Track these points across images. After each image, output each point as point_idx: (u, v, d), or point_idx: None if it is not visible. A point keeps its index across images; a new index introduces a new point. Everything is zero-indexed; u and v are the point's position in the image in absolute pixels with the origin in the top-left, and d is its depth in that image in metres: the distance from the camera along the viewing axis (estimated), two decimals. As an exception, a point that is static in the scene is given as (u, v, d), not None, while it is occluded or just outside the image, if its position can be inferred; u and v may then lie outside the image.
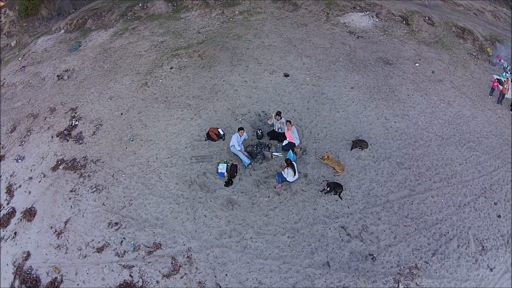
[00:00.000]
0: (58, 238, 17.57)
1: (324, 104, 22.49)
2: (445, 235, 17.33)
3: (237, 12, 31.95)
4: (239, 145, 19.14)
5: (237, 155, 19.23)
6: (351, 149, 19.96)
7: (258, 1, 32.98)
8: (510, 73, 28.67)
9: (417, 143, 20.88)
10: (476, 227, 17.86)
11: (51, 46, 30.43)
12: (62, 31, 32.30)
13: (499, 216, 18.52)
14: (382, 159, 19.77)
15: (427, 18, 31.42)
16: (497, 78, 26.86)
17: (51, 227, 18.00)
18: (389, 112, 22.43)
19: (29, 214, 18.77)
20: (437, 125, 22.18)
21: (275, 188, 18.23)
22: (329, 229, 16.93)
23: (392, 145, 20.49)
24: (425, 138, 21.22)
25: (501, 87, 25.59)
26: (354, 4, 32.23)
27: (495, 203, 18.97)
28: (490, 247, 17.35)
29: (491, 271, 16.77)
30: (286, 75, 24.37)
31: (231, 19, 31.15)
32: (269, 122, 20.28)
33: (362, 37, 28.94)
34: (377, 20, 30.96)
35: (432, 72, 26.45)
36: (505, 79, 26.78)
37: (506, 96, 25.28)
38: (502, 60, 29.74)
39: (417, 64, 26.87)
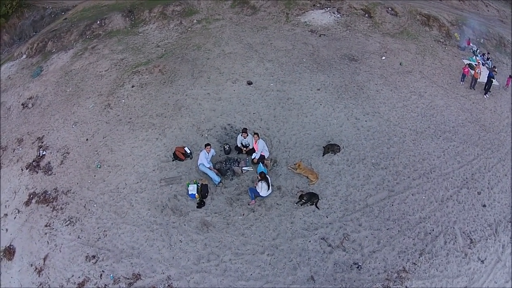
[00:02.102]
0: (39, 276, 17.34)
1: (291, 110, 22.62)
2: (430, 233, 17.53)
3: (195, 21, 32.06)
4: (208, 162, 19.07)
5: (206, 173, 19.13)
6: (323, 155, 20.04)
7: (216, 8, 33.13)
8: (480, 56, 29.38)
9: (391, 140, 21.15)
10: (462, 220, 18.13)
11: (14, 73, 30.20)
12: (24, 56, 32.15)
13: (484, 206, 18.85)
14: (357, 161, 19.92)
15: (390, 8, 32.03)
16: (468, 63, 27.47)
17: (31, 265, 17.78)
18: (359, 111, 22.69)
19: (9, 252, 18.65)
20: (410, 119, 22.55)
21: (249, 204, 18.17)
22: (309, 242, 16.90)
23: (365, 146, 20.69)
24: (399, 135, 21.51)
25: (472, 72, 26.15)
26: (314, 1, 32.63)
27: (479, 193, 19.32)
28: (478, 239, 17.63)
29: (483, 263, 17.02)
30: (250, 83, 24.46)
31: (189, 29, 31.24)
32: (239, 144, 20.27)
33: (324, 35, 29.32)
34: (338, 15, 31.41)
35: (400, 64, 26.92)
36: (476, 63, 27.41)
37: (478, 80, 25.81)
38: (471, 44, 30.45)
39: (383, 58, 27.32)
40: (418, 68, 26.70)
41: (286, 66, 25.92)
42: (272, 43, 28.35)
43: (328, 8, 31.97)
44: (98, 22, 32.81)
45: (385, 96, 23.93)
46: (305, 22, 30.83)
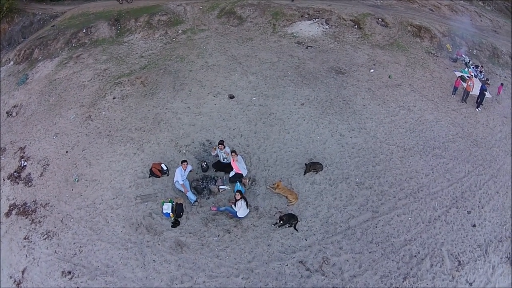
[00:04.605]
0: (18, 289, 17.17)
1: (273, 125, 22.14)
2: (415, 256, 16.95)
3: (180, 31, 31.90)
4: (183, 180, 18.56)
5: (182, 191, 18.68)
6: (304, 174, 19.47)
7: (202, 18, 32.89)
8: (473, 67, 28.97)
9: (377, 158, 20.62)
10: (450, 242, 17.56)
11: (1, 80, 30.20)
12: (12, 62, 32.32)
13: (474, 226, 18.33)
14: (340, 181, 19.37)
15: (380, 19, 31.75)
16: (460, 76, 27.04)
17: (11, 277, 17.49)
18: (344, 127, 22.21)
19: (-12, 263, 18.47)
20: (397, 135, 22.06)
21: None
22: (286, 265, 16.31)
23: (349, 164, 20.16)
24: (385, 152, 20.99)
25: (464, 84, 25.70)
26: (302, 12, 32.38)
27: (469, 212, 18.80)
28: (467, 261, 17.08)
29: (471, 285, 16.48)
30: (231, 97, 24.03)
31: (174, 39, 31.05)
32: (212, 154, 19.76)
33: (311, 46, 28.98)
34: (327, 27, 31.08)
35: (389, 77, 26.51)
36: (468, 75, 26.99)
37: (470, 93, 25.35)
38: (463, 55, 30.08)
39: (372, 70, 26.93)
40: (407, 81, 26.31)
41: (270, 79, 25.53)
42: (257, 55, 28.04)
43: (317, 19, 31.67)
44: (84, 31, 32.86)
45: (372, 111, 23.47)
46: (292, 33, 30.53)
